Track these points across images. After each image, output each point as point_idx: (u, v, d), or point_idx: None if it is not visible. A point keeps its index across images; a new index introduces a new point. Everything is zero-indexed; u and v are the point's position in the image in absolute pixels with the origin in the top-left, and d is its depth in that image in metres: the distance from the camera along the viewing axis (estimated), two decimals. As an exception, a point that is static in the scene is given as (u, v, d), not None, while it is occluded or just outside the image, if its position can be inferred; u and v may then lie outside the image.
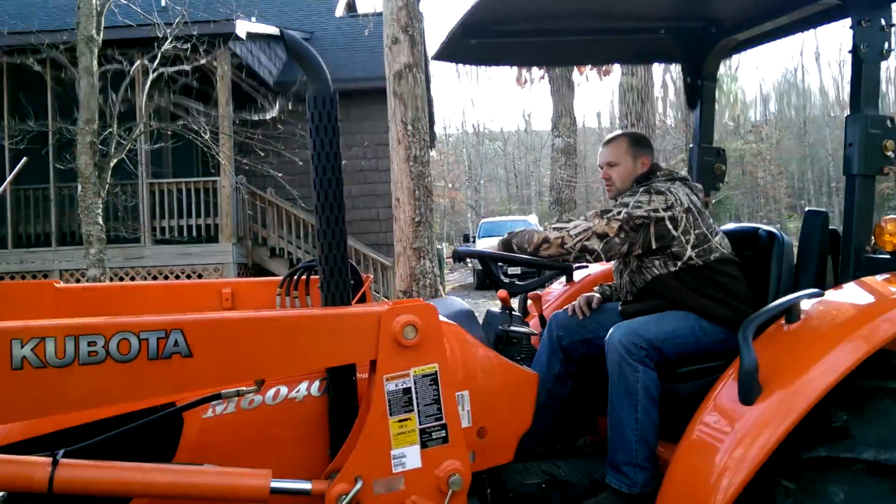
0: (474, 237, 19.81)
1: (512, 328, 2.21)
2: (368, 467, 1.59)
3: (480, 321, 2.24)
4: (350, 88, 12.89)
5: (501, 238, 2.40)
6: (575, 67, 13.67)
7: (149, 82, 8.98)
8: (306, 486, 1.58)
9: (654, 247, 2.34)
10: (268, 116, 10.41)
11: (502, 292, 2.29)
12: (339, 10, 16.74)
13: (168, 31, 8.87)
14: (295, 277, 2.40)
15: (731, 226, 2.77)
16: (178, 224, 11.07)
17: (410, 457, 1.62)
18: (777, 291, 2.38)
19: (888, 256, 2.22)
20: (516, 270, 10.71)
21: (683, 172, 2.58)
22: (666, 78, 33.44)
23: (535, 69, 14.96)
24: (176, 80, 9.42)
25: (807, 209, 2.55)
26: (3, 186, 2.29)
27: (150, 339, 1.45)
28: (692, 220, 2.36)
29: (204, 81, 10.36)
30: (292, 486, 1.57)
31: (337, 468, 1.62)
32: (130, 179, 10.59)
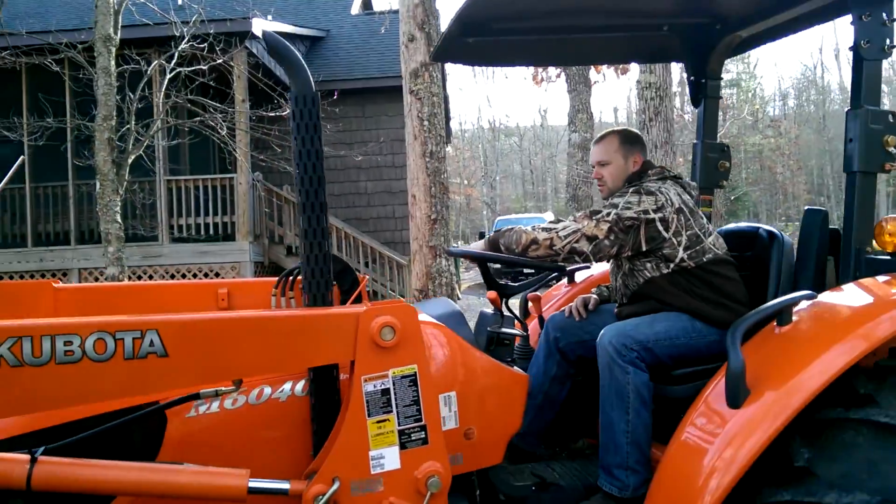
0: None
1: (503, 330, 2.19)
2: (346, 468, 1.59)
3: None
4: (366, 86, 12.95)
5: (488, 237, 2.35)
6: (592, 67, 13.59)
7: (166, 81, 9.07)
8: (284, 485, 1.58)
9: (644, 249, 2.30)
10: (284, 113, 10.46)
11: (491, 293, 2.27)
12: (355, 8, 16.78)
13: (185, 29, 8.95)
14: (290, 278, 2.40)
15: (731, 226, 2.73)
16: (195, 222, 11.14)
17: (389, 458, 1.62)
18: (776, 292, 2.34)
19: (889, 257, 2.17)
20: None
21: (679, 171, 2.53)
22: (684, 75, 33.07)
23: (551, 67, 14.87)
24: (193, 80, 9.51)
25: (805, 208, 2.50)
26: (1, 184, 2.32)
27: (126, 339, 1.46)
28: (684, 220, 2.32)
29: (221, 80, 10.45)
30: (270, 485, 1.57)
31: (316, 468, 1.62)
32: (148, 177, 10.70)
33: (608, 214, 2.26)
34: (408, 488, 1.62)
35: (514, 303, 3.18)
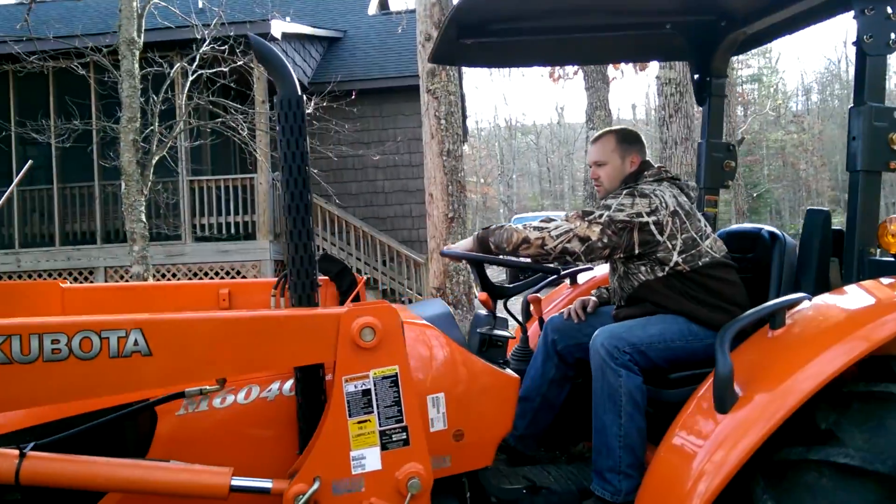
0: None
1: (495, 332, 2.19)
2: (327, 468, 1.60)
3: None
4: (383, 86, 12.99)
5: (476, 234, 2.31)
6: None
7: (188, 83, 9.21)
8: (266, 484, 1.59)
9: (637, 252, 2.26)
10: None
11: (482, 295, 2.26)
12: (372, 9, 16.86)
13: (206, 32, 9.07)
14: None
15: (734, 227, 2.69)
16: (217, 221, 11.30)
17: (370, 458, 1.62)
18: (777, 294, 2.30)
19: (894, 259, 2.12)
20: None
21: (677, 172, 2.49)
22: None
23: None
24: (215, 82, 9.64)
25: (808, 208, 2.45)
26: (9, 189, 2.38)
27: (111, 338, 1.49)
28: (679, 223, 2.28)
29: (241, 82, 10.57)
30: (252, 484, 1.58)
31: (299, 468, 1.63)
32: (171, 177, 10.88)
33: (600, 216, 2.22)
34: (389, 489, 1.62)
35: (517, 306, 3.17)
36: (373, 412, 1.63)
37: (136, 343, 1.50)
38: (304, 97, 1.75)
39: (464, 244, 2.33)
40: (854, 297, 1.96)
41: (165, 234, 10.94)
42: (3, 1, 15.91)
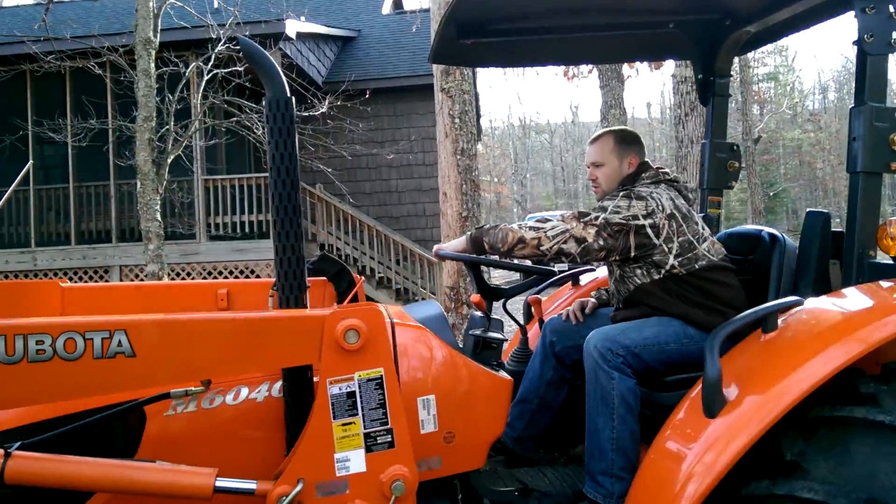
0: None
1: (488, 334, 2.17)
2: (311, 470, 1.60)
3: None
4: (397, 85, 13.01)
5: (470, 233, 2.28)
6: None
7: (203, 82, 9.29)
8: (251, 485, 1.60)
9: (632, 254, 2.23)
10: (317, 112, 10.59)
11: (475, 296, 2.25)
12: (386, 8, 16.92)
13: (221, 32, 9.14)
14: None
15: (734, 228, 2.65)
16: (231, 220, 11.38)
17: (355, 460, 1.62)
18: (776, 297, 2.26)
19: (893, 262, 2.07)
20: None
21: (675, 174, 2.45)
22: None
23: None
24: (230, 81, 9.71)
25: (808, 210, 2.41)
26: (9, 190, 2.41)
27: (95, 339, 1.49)
28: (675, 226, 2.25)
29: (256, 81, 10.63)
30: (237, 485, 1.59)
31: (284, 469, 1.63)
32: (186, 176, 10.97)
33: (596, 218, 2.20)
34: (373, 491, 1.62)
35: (518, 308, 3.16)
36: (357, 414, 1.63)
37: (119, 344, 1.50)
38: (293, 99, 1.75)
39: (456, 244, 2.29)
40: (849, 300, 1.92)
41: (180, 233, 11.04)
42: (22, 1, 16.16)
